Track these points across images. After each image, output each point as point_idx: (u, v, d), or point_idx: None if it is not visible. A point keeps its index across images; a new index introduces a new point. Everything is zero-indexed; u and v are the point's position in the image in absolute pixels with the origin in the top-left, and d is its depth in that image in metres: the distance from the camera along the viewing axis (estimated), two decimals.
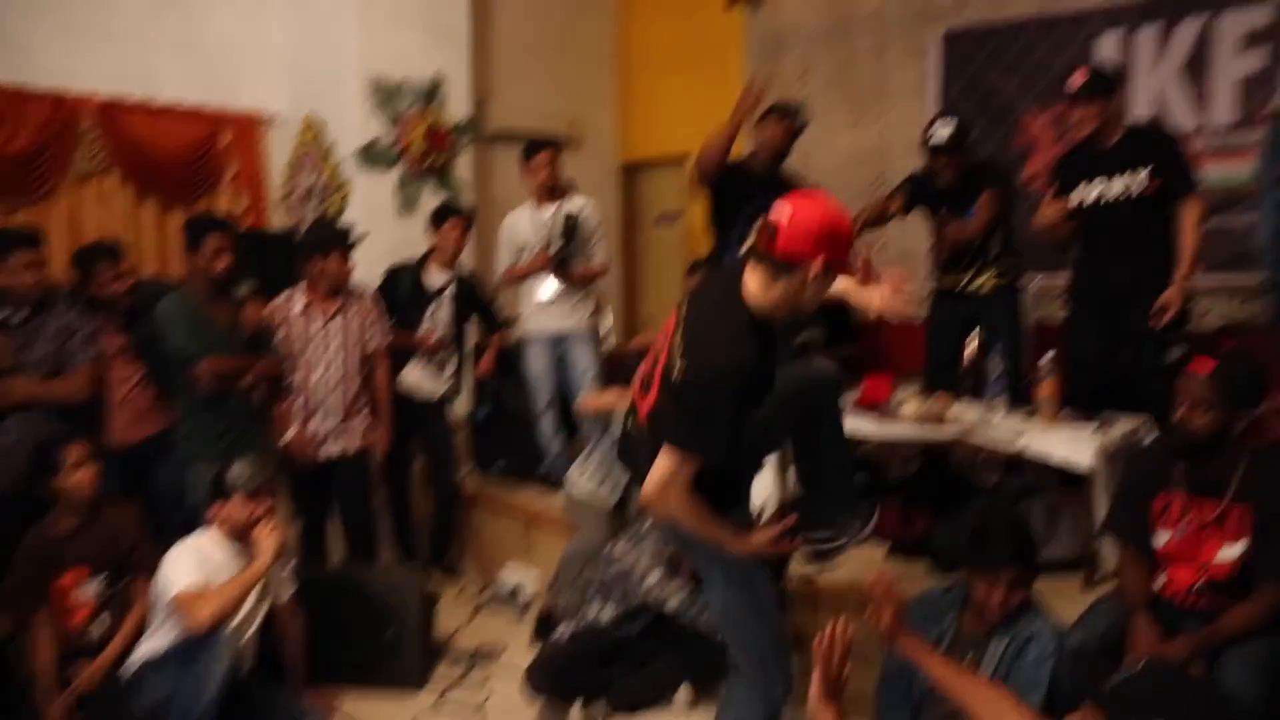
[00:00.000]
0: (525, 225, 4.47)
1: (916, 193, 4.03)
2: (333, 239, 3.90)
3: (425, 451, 4.36)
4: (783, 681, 2.36)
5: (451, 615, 4.00)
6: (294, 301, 3.83)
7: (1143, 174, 3.33)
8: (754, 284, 2.14)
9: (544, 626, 3.83)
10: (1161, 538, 2.42)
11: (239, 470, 3.06)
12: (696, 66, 6.91)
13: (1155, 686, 1.60)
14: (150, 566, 3.29)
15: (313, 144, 5.76)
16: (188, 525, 3.59)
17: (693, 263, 5.15)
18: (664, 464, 2.10)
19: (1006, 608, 2.34)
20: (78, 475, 3.09)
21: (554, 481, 4.53)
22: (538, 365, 4.52)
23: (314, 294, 3.84)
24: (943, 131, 3.76)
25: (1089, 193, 3.45)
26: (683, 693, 3.27)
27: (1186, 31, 4.92)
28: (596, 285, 4.67)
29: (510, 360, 4.65)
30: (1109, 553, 2.97)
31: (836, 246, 2.07)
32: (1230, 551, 2.30)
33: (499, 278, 4.60)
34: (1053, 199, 3.52)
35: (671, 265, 6.82)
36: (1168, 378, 3.32)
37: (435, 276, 4.37)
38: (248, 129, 5.67)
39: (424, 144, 5.71)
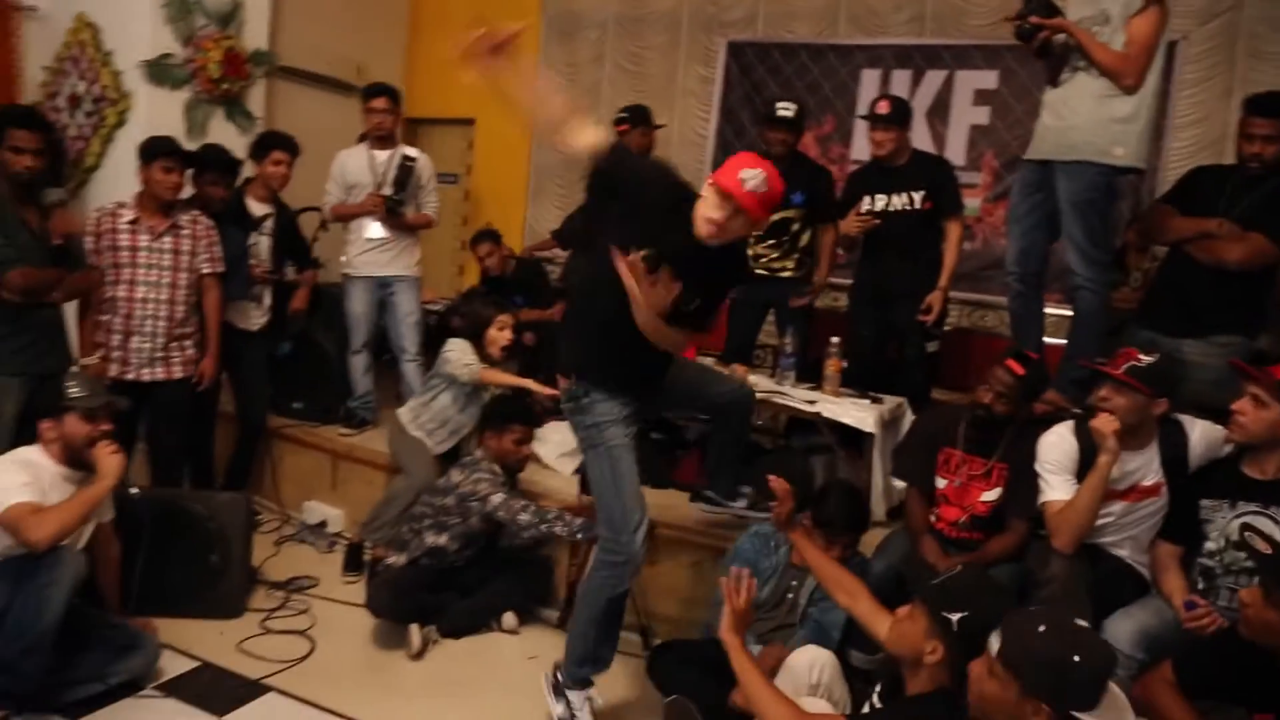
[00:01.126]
0: (357, 165, 4.51)
1: None
2: (157, 148, 3.71)
3: (235, 383, 4.26)
4: (627, 547, 2.63)
5: (257, 548, 3.97)
6: (121, 214, 3.64)
7: (920, 194, 4.00)
8: None
9: (355, 559, 3.94)
10: (940, 483, 3.06)
11: (77, 389, 2.93)
12: None
13: (966, 585, 2.12)
14: None
15: (86, 47, 5.32)
16: None
17: (480, 232, 5.37)
18: None
19: (840, 556, 2.85)
20: None
21: (358, 420, 4.62)
22: (359, 305, 4.56)
23: (142, 208, 3.67)
24: (788, 109, 4.25)
25: (875, 204, 4.08)
26: (509, 618, 3.55)
27: (932, 81, 5.81)
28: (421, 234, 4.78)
29: (319, 299, 4.65)
30: (876, 503, 3.62)
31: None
32: (989, 496, 2.97)
33: (328, 213, 4.57)
34: (857, 214, 4.10)
35: (446, 225, 6.91)
36: (926, 366, 4.08)
37: (255, 208, 4.28)
38: None
39: (220, 68, 5.46)
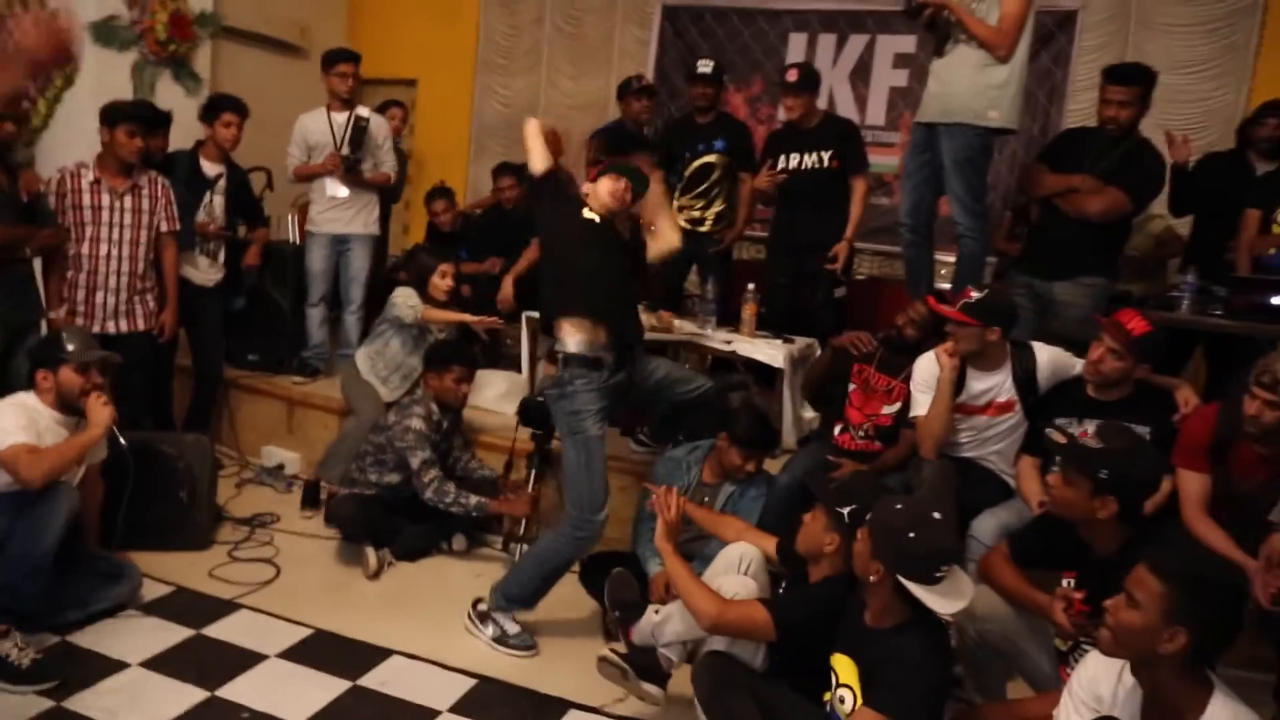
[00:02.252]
0: (318, 127, 4.79)
1: (671, 133, 4.92)
2: (120, 112, 3.91)
3: (192, 337, 4.52)
4: (592, 525, 3.04)
5: (219, 491, 4.24)
6: (83, 174, 3.86)
7: (828, 153, 4.38)
8: None
9: (312, 496, 4.26)
10: (850, 387, 3.52)
11: (73, 343, 3.15)
12: None
13: (855, 485, 2.52)
14: None
15: (31, 5, 5.43)
16: None
17: (434, 189, 5.66)
18: None
19: (751, 472, 3.27)
20: None
21: (310, 370, 4.91)
22: (318, 261, 4.86)
23: (104, 169, 3.89)
24: (706, 66, 4.68)
25: (789, 163, 4.45)
26: (458, 539, 3.91)
27: (855, 45, 6.17)
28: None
29: (270, 256, 4.90)
30: (787, 432, 4.03)
31: None
32: (890, 409, 3.44)
33: (290, 175, 4.87)
34: (768, 170, 4.47)
35: None
36: (833, 310, 4.48)
37: (208, 168, 4.51)
38: None
39: (166, 29, 5.63)
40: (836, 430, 3.53)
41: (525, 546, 3.75)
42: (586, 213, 3.10)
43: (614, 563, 3.30)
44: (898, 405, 3.43)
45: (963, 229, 3.78)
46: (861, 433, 3.47)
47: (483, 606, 3.19)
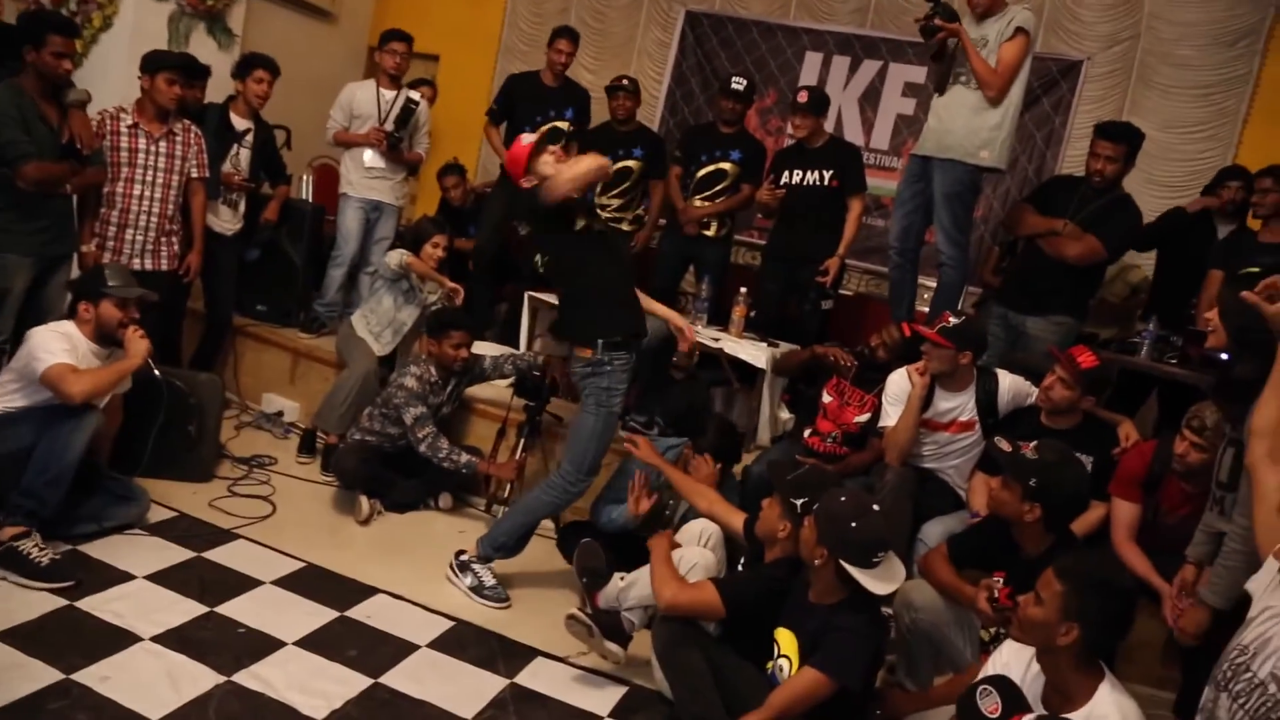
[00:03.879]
0: (366, 99, 5.06)
1: (694, 138, 5.19)
2: (162, 60, 4.13)
3: (206, 282, 4.73)
4: (582, 483, 3.34)
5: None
6: (122, 117, 4.07)
7: (829, 173, 4.63)
8: None
9: (309, 443, 4.49)
10: (826, 398, 3.79)
11: (115, 278, 3.36)
12: None
13: (808, 478, 2.78)
14: None
15: None
16: None
17: (447, 165, 5.89)
18: None
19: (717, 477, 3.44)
20: None
21: (317, 325, 5.13)
22: (352, 223, 5.13)
23: (141, 114, 4.10)
24: (740, 83, 4.94)
25: (792, 178, 4.70)
26: (445, 497, 4.15)
27: (868, 70, 6.42)
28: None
29: (288, 212, 5.12)
30: (763, 429, 4.29)
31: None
32: (860, 418, 3.71)
33: (330, 137, 5.09)
34: (770, 184, 4.73)
35: None
36: (819, 320, 4.74)
37: (237, 122, 4.73)
38: None
39: None
40: (807, 433, 3.79)
41: (505, 511, 3.99)
42: (578, 226, 3.21)
43: (586, 532, 3.56)
44: (867, 415, 3.70)
45: (945, 258, 4.05)
46: (831, 439, 3.72)
47: (464, 557, 3.43)
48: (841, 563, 2.36)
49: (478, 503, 4.26)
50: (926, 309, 4.65)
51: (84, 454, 3.21)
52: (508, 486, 4.11)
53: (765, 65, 6.76)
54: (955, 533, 3.16)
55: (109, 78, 5.17)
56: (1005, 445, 2.72)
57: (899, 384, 3.46)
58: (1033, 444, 2.68)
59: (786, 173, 4.71)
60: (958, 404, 3.43)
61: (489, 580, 3.40)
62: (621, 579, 3.00)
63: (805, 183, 4.66)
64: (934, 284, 4.50)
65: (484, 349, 4.76)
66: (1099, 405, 3.35)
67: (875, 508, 2.45)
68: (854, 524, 2.36)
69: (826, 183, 4.62)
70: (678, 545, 2.97)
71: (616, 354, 3.22)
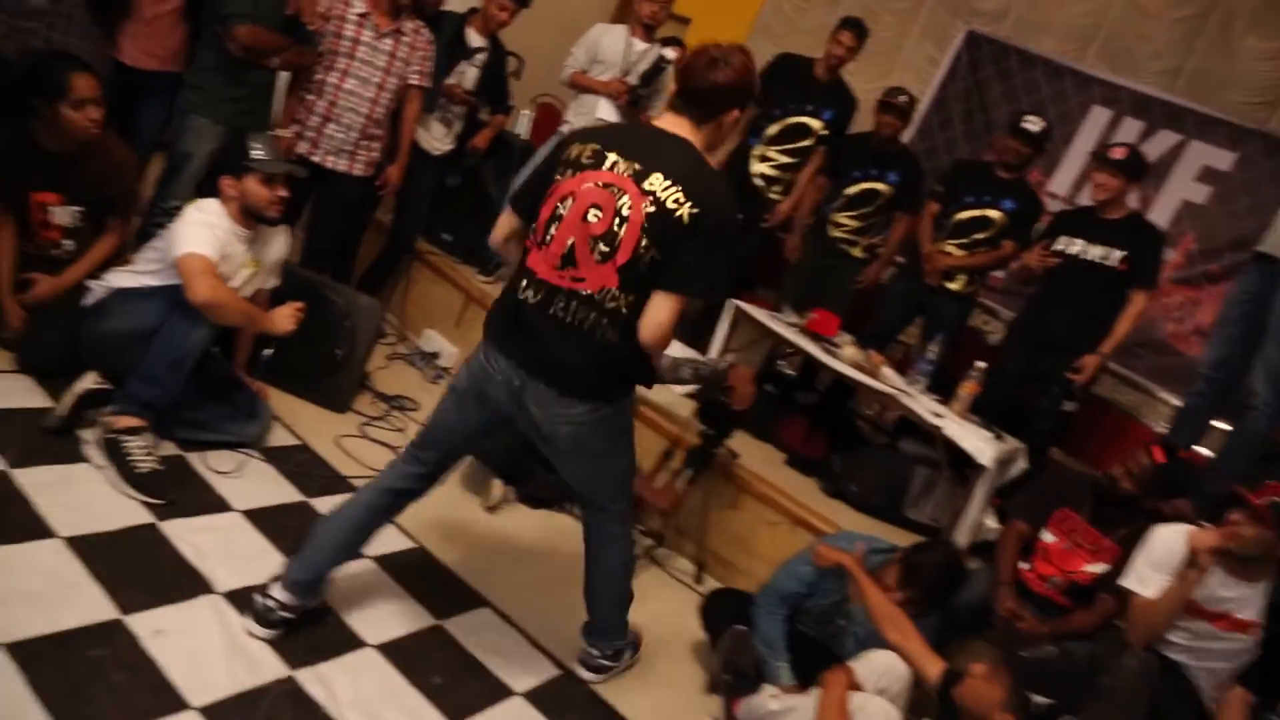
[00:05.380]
0: (614, 46, 4.48)
1: (962, 175, 4.48)
2: None
3: (399, 198, 4.36)
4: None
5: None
6: (353, 4, 3.70)
7: (1120, 253, 3.83)
8: (684, 130, 2.17)
9: None
10: (1048, 537, 3.06)
11: (262, 149, 2.96)
12: None
13: (1062, 675, 2.11)
14: (129, 210, 3.27)
15: None
16: (170, 169, 3.55)
17: None
18: (669, 307, 2.10)
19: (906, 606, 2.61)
20: (83, 113, 2.93)
21: (496, 269, 4.71)
22: None
23: (374, 5, 3.72)
24: (1034, 124, 4.19)
25: (1070, 247, 3.93)
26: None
27: (1162, 141, 5.51)
28: None
29: (499, 144, 4.71)
30: (961, 533, 3.59)
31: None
32: (1094, 568, 2.98)
33: (566, 77, 4.56)
34: (1044, 248, 3.97)
35: None
36: (1056, 421, 3.98)
37: (472, 38, 4.32)
38: None
39: None
40: (1023, 564, 3.08)
41: (649, 542, 3.46)
42: None
43: (739, 603, 2.97)
44: (1103, 567, 2.95)
45: (1259, 401, 3.21)
46: (1051, 583, 3.01)
47: (603, 655, 2.71)
48: None
49: None
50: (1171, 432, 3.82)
51: (212, 348, 2.88)
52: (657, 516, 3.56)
53: (1042, 109, 5.88)
54: None
55: None
56: None
57: (1169, 548, 2.69)
58: None
59: (1066, 240, 3.93)
60: (1241, 596, 2.63)
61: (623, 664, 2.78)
62: (774, 698, 2.40)
63: (1087, 257, 3.87)
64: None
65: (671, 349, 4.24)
66: None
67: None
68: None
69: (1115, 264, 3.83)
70: (857, 687, 2.34)
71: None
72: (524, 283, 2.20)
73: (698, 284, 2.13)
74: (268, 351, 3.20)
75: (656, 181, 2.07)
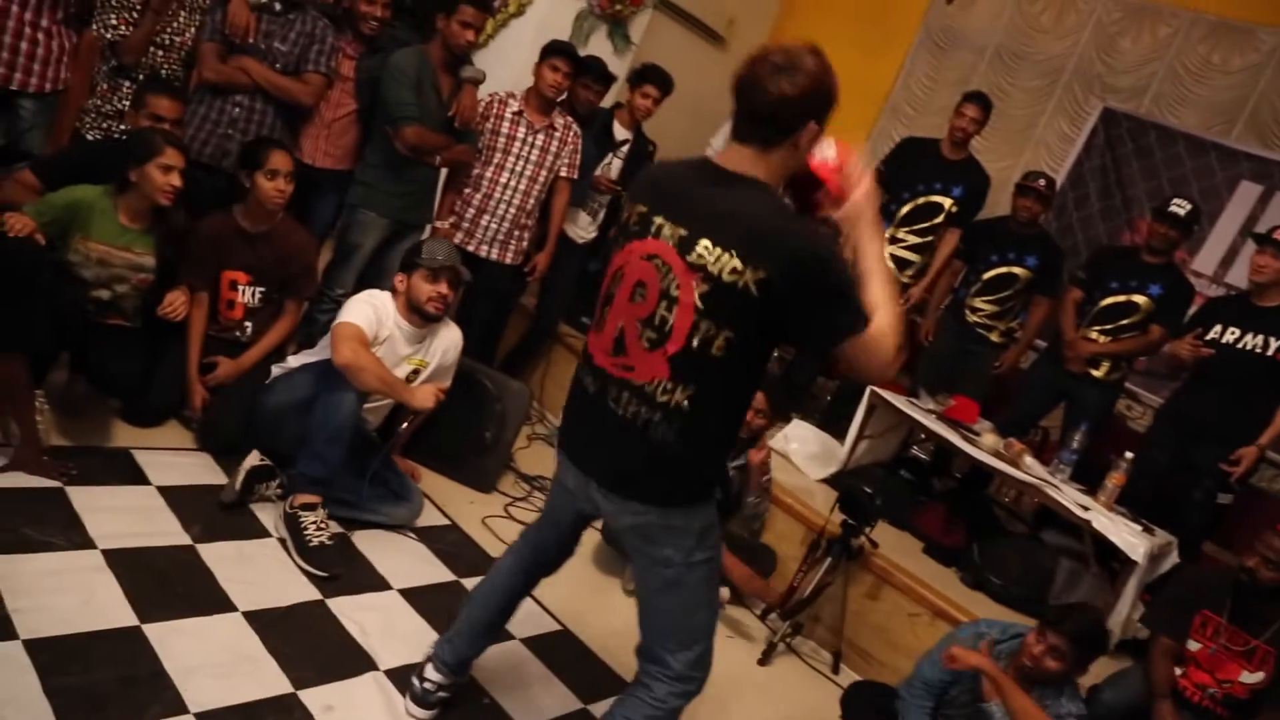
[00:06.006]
0: None
1: (1106, 261, 4.39)
2: (551, 45, 3.99)
3: (544, 283, 4.56)
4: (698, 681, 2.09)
5: None
6: (509, 103, 3.95)
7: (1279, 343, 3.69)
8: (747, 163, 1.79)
9: None
10: (1192, 645, 2.92)
11: (430, 249, 3.18)
12: (861, 25, 6.97)
13: None
14: (308, 293, 3.51)
15: None
16: (338, 259, 3.81)
17: None
18: (857, 347, 1.71)
19: (1054, 673, 2.55)
20: (276, 184, 3.23)
21: None
22: None
23: (528, 104, 3.97)
24: (1181, 207, 4.07)
25: (1226, 334, 3.80)
26: (724, 590, 3.59)
27: None
28: None
29: None
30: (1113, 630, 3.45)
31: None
32: (1251, 679, 2.82)
33: None
34: (1194, 337, 3.84)
35: None
36: (1208, 514, 3.81)
37: (618, 131, 4.53)
38: None
39: None
40: (1177, 671, 2.95)
41: (785, 625, 3.45)
42: None
43: (880, 695, 2.94)
44: (1261, 675, 2.80)
45: None
46: (1209, 694, 2.88)
47: None
48: None
49: (754, 604, 3.74)
50: None
51: (372, 433, 3.06)
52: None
53: (1184, 185, 5.77)
54: None
55: (509, 64, 5.18)
56: None
57: None
58: None
59: (1220, 328, 3.82)
60: None
61: None
62: None
63: (1243, 345, 3.75)
64: None
65: (803, 432, 4.27)
66: None
67: None
68: None
69: (1272, 353, 3.69)
70: None
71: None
72: (584, 368, 1.96)
73: (844, 322, 1.70)
74: (404, 425, 3.36)
75: (705, 251, 1.71)
